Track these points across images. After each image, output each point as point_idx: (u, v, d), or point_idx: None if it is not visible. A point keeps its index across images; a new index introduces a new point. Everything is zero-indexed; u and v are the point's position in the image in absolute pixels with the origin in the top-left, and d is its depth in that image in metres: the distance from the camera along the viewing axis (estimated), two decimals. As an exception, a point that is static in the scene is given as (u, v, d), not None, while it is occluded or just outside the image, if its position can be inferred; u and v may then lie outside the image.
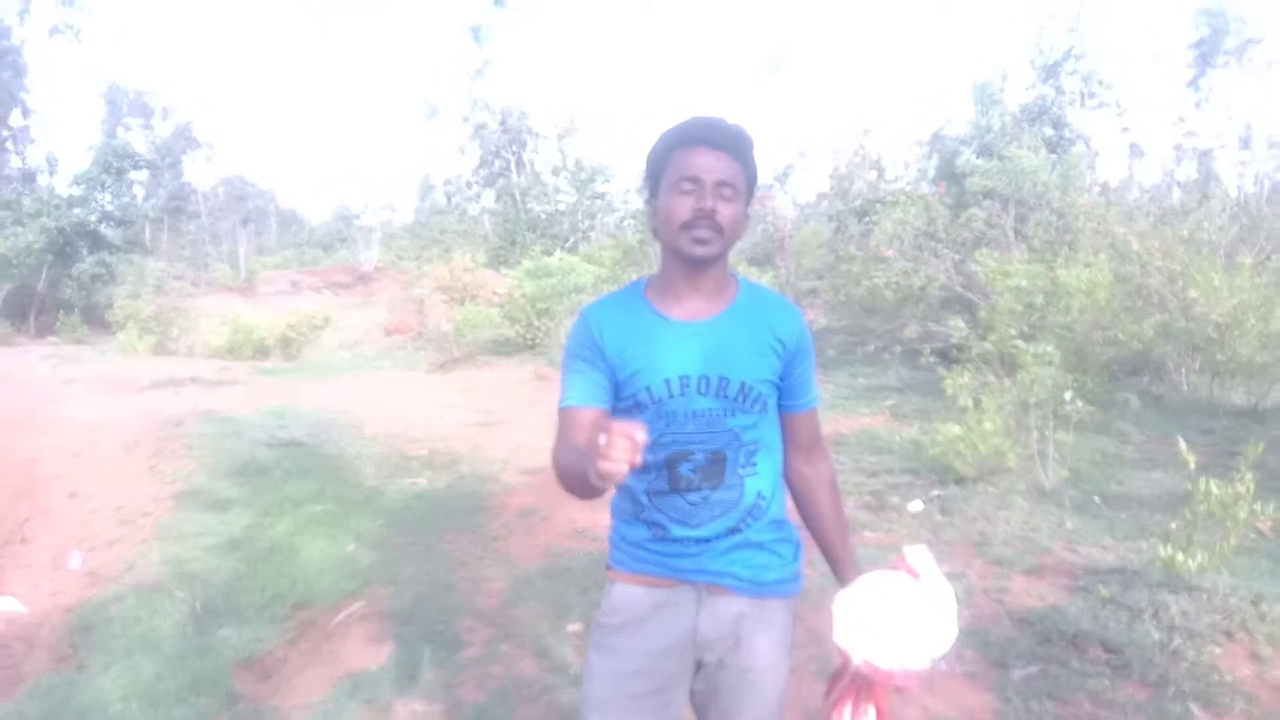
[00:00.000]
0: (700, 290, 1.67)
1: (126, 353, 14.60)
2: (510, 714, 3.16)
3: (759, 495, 1.69)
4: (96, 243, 22.60)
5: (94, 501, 5.69)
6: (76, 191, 23.76)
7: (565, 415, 1.70)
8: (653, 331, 1.67)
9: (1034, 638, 3.41)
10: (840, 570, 1.78)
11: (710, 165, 1.58)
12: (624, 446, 1.29)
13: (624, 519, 1.77)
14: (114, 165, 24.35)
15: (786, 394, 1.72)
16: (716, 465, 1.65)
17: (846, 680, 1.67)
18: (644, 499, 1.70)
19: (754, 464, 1.68)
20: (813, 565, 1.89)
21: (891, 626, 1.59)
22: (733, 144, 1.61)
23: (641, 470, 1.56)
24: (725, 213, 1.59)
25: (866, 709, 1.66)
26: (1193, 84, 26.21)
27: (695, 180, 1.58)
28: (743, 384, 1.64)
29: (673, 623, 1.68)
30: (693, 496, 1.66)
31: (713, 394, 1.63)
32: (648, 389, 1.64)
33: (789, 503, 1.82)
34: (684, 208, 1.58)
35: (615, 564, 1.77)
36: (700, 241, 1.59)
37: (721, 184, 1.58)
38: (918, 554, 1.69)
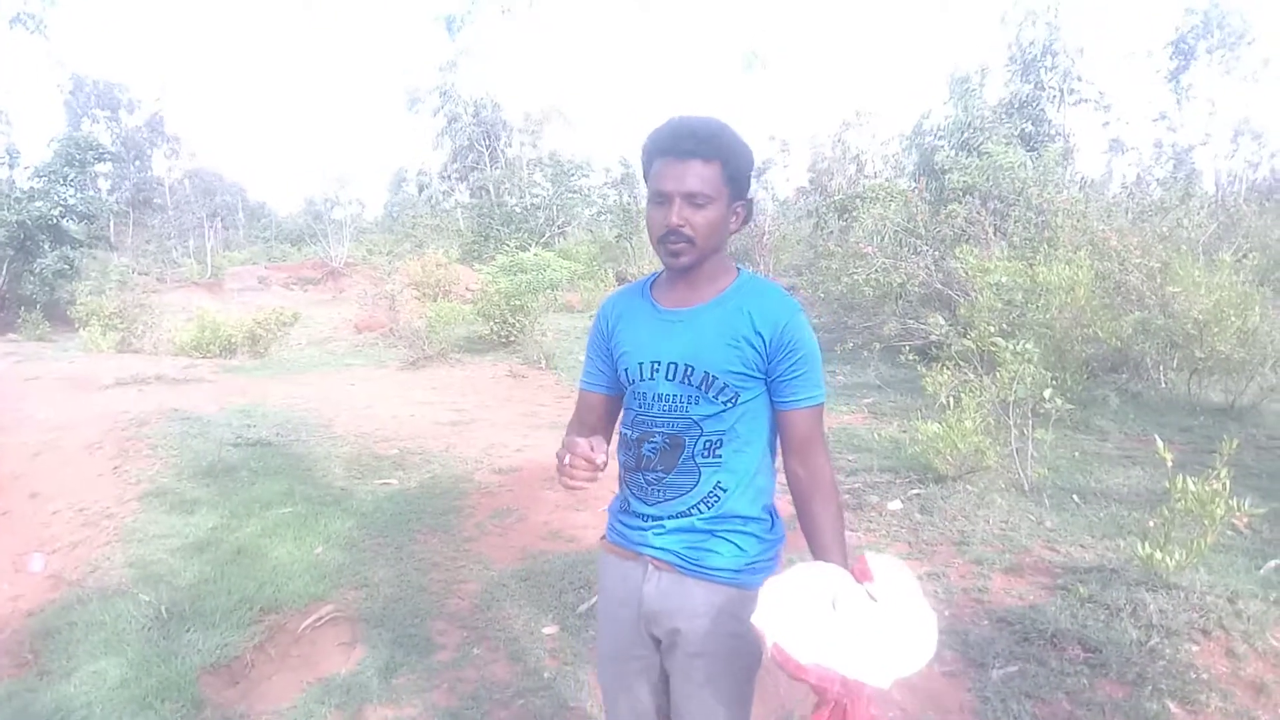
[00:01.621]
0: (691, 284, 1.74)
1: (90, 350, 14.36)
2: (483, 718, 3.11)
3: (717, 485, 1.71)
4: (59, 237, 22.17)
5: (56, 503, 5.57)
6: (38, 185, 23.28)
7: (580, 396, 1.93)
8: (642, 317, 1.79)
9: (1013, 637, 3.40)
10: None
11: (677, 175, 1.63)
12: (583, 467, 1.57)
13: (619, 489, 1.90)
14: (77, 158, 23.89)
15: (776, 391, 1.72)
16: (674, 450, 1.73)
17: (828, 705, 1.54)
18: (621, 472, 1.85)
19: (718, 455, 1.71)
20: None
21: (821, 622, 1.50)
22: (702, 147, 1.63)
23: (624, 446, 1.82)
24: (697, 221, 1.64)
25: None
26: (1173, 79, 26.52)
27: (664, 194, 1.65)
28: (707, 374, 1.68)
29: (628, 592, 1.80)
30: (650, 476, 1.76)
31: (678, 380, 1.71)
32: (626, 370, 1.78)
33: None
34: (657, 221, 1.67)
35: (606, 533, 1.92)
36: (674, 253, 1.67)
37: (690, 195, 1.63)
38: (884, 563, 1.60)
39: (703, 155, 1.63)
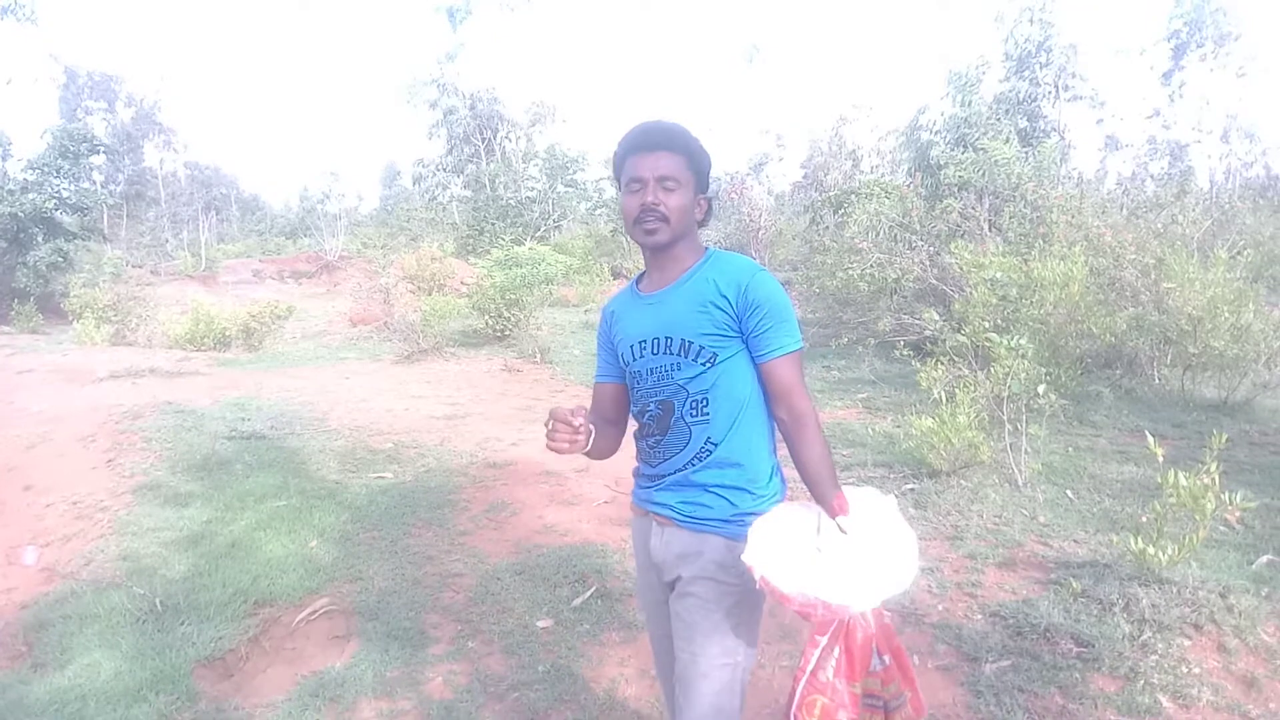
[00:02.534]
0: (663, 270, 1.96)
1: (83, 343, 14.31)
2: (478, 711, 3.11)
3: (708, 441, 1.89)
4: (52, 229, 22.11)
5: (50, 495, 5.55)
6: (31, 177, 23.19)
7: (595, 389, 2.14)
8: (631, 307, 2.03)
9: (1006, 631, 3.41)
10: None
11: (650, 164, 1.86)
12: (564, 430, 1.78)
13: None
14: (71, 150, 23.83)
15: (752, 346, 1.87)
16: (665, 414, 1.93)
17: (828, 630, 1.72)
18: (635, 441, 2.06)
19: (705, 413, 1.88)
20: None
21: (802, 555, 1.71)
22: (669, 142, 1.87)
23: (635, 419, 2.05)
24: (670, 202, 1.86)
25: (834, 649, 1.71)
26: (1167, 76, 26.55)
27: (639, 180, 1.87)
28: (684, 340, 1.87)
29: (643, 544, 2.05)
30: (650, 440, 1.98)
31: (661, 352, 1.91)
32: (621, 355, 2.03)
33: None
34: (633, 205, 1.88)
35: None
36: (650, 231, 1.87)
37: (663, 178, 1.85)
38: (863, 495, 1.82)
39: (669, 148, 1.87)
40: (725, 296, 1.85)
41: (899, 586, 1.74)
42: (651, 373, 1.93)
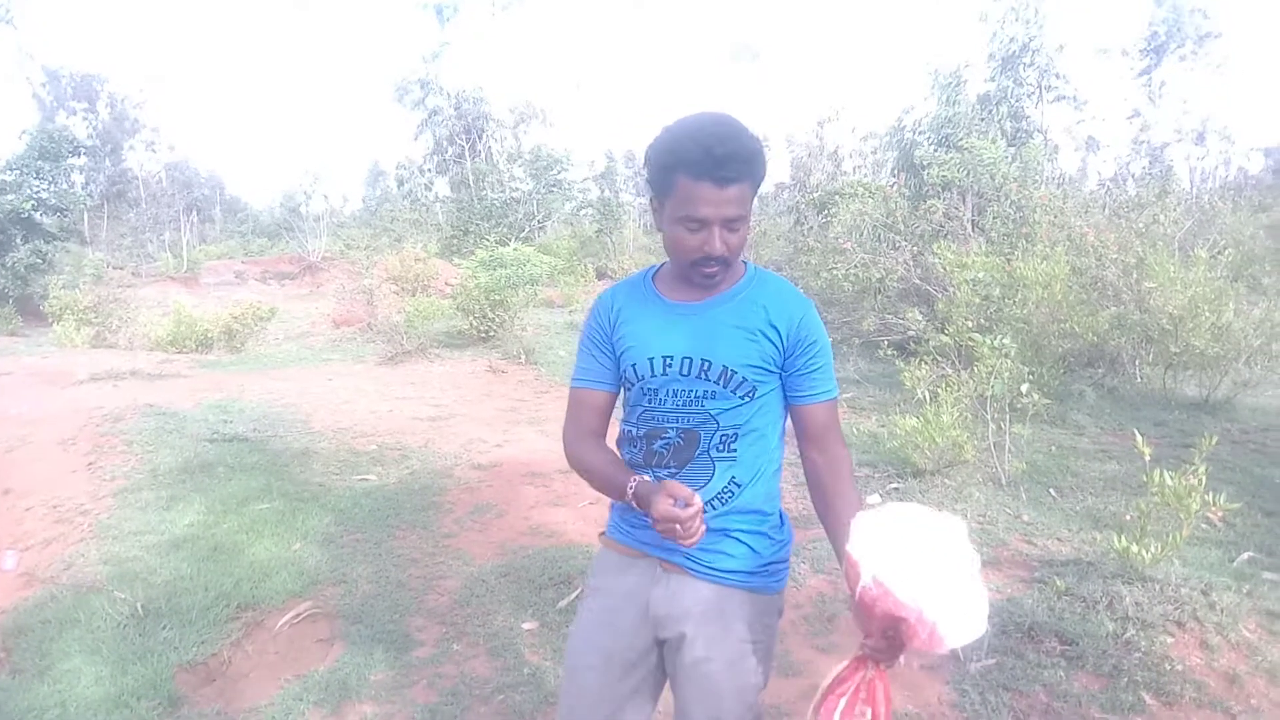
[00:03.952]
0: (705, 288, 1.70)
1: (63, 345, 14.17)
2: (463, 714, 3.10)
3: (731, 480, 1.68)
4: (31, 230, 21.93)
5: (29, 499, 5.49)
6: (9, 178, 22.97)
7: (575, 395, 1.81)
8: (649, 311, 1.73)
9: (991, 630, 3.40)
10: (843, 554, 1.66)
11: (717, 203, 1.55)
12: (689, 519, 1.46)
13: None
14: (50, 150, 23.62)
15: (793, 385, 1.71)
16: (688, 445, 1.68)
17: (852, 676, 1.53)
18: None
19: (733, 450, 1.68)
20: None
21: (913, 557, 1.41)
22: (746, 172, 1.56)
23: (628, 442, 1.76)
24: (733, 242, 1.60)
25: (864, 711, 1.51)
26: (1145, 76, 26.73)
27: (702, 220, 1.56)
28: (725, 368, 1.64)
29: (632, 592, 1.74)
30: (662, 473, 1.69)
31: (694, 375, 1.66)
32: (633, 366, 1.71)
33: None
34: (691, 246, 1.60)
35: (607, 530, 1.86)
36: (709, 276, 1.64)
37: (729, 220, 1.58)
38: (952, 524, 1.50)
39: (742, 180, 1.56)
40: (776, 328, 1.66)
41: (973, 634, 1.40)
42: (675, 395, 1.68)
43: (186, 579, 4.24)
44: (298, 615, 3.90)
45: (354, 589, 4.15)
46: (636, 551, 1.75)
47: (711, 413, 1.67)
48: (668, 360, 1.68)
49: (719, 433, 1.67)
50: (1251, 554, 4.06)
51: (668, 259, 1.75)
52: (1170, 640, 3.19)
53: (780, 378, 1.70)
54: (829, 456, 1.72)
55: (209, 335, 14.15)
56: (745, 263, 1.75)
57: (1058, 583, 3.66)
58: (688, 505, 1.46)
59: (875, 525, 1.47)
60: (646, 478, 1.62)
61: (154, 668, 3.45)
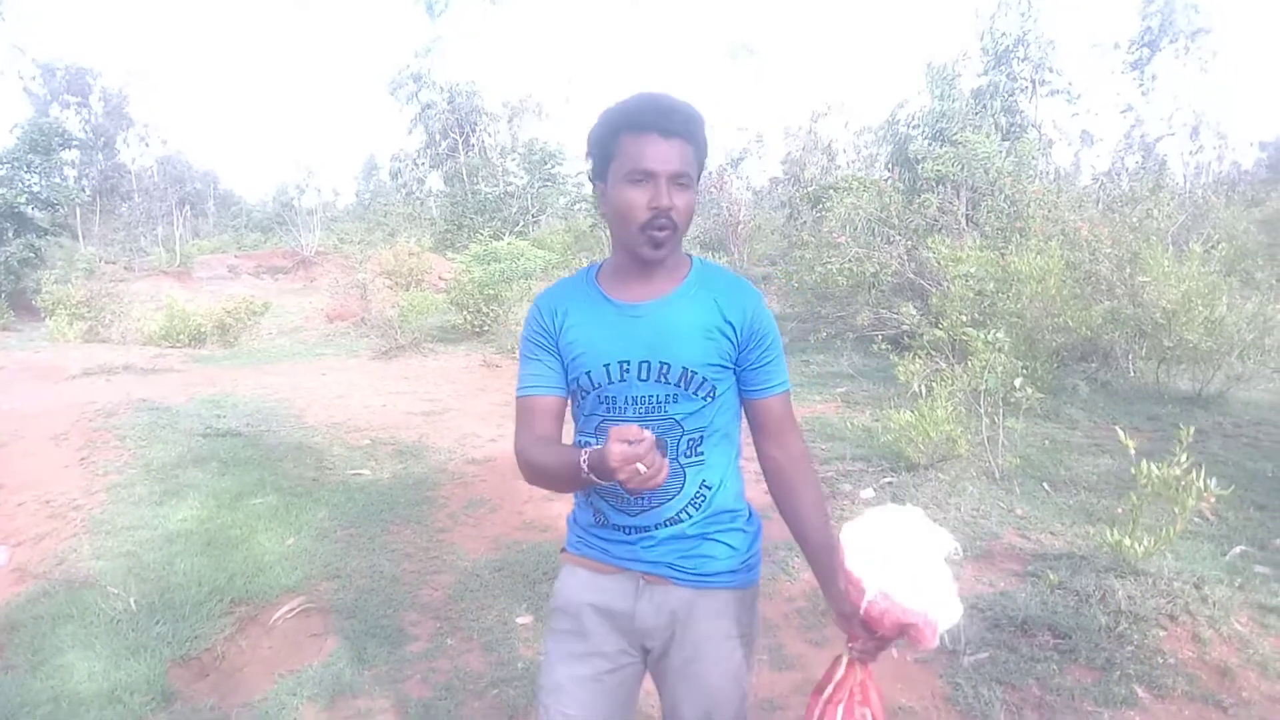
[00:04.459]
0: (650, 278, 1.63)
1: (56, 340, 14.15)
2: (457, 709, 3.10)
3: (703, 485, 1.64)
4: (23, 225, 21.84)
5: (21, 494, 5.47)
6: (1, 172, 22.87)
7: (524, 404, 1.69)
8: (598, 315, 1.64)
9: (984, 623, 3.43)
10: (813, 553, 1.67)
11: (664, 155, 1.52)
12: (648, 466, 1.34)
13: (579, 501, 1.77)
14: (42, 144, 23.51)
15: (748, 380, 1.67)
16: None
17: (845, 681, 1.56)
18: None
19: (700, 454, 1.64)
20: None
21: (906, 565, 1.43)
22: (686, 128, 1.54)
23: None
24: (681, 204, 1.55)
25: (864, 714, 1.54)
26: (1137, 70, 26.79)
27: (649, 174, 1.52)
28: (685, 369, 1.59)
29: (612, 608, 1.67)
30: None
31: (653, 380, 1.60)
32: (587, 374, 1.62)
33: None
34: (639, 204, 1.53)
35: (568, 545, 1.78)
36: (658, 244, 1.55)
37: (676, 175, 1.53)
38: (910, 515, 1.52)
39: (687, 136, 1.54)
40: (731, 323, 1.62)
41: (953, 619, 1.45)
42: (635, 402, 1.61)
43: (180, 574, 4.23)
44: (292, 610, 3.90)
45: (348, 584, 4.14)
46: (611, 567, 1.68)
47: (676, 418, 1.61)
48: (624, 365, 1.60)
49: (685, 437, 1.62)
50: (1244, 547, 4.08)
51: (607, 256, 1.70)
52: (1163, 633, 3.20)
53: (735, 373, 1.66)
54: (789, 453, 1.70)
55: (202, 330, 14.13)
56: (690, 256, 1.71)
57: (1051, 576, 3.67)
58: (639, 440, 1.35)
59: (865, 537, 1.47)
60: (595, 445, 1.48)
61: (147, 663, 3.44)
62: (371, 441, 6.72)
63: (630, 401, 1.61)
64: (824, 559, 1.62)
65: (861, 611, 1.45)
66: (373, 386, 9.48)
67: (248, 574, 4.23)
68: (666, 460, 1.38)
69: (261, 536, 4.71)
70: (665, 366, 1.60)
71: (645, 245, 1.56)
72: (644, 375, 1.60)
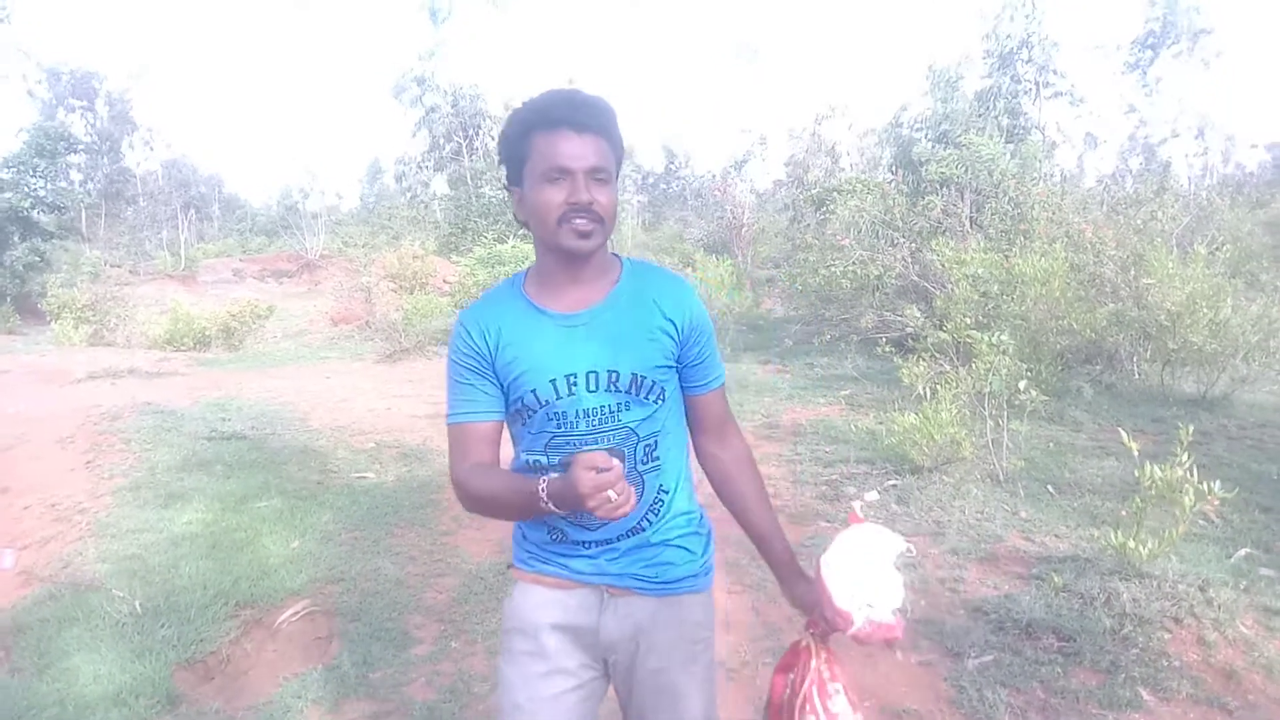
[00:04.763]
0: (582, 282, 1.58)
1: (61, 343, 14.19)
2: (461, 712, 3.10)
3: (660, 490, 1.62)
4: (29, 229, 21.91)
5: (27, 498, 5.48)
6: (6, 176, 22.93)
7: (458, 431, 1.62)
8: (534, 329, 1.57)
9: (988, 626, 3.43)
10: (768, 549, 1.71)
11: (578, 152, 1.48)
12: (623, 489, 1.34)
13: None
14: (47, 148, 23.57)
15: (688, 376, 1.65)
16: None
17: (812, 663, 1.61)
18: None
19: (656, 458, 1.61)
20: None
21: (875, 579, 1.52)
22: (599, 122, 1.51)
23: (538, 473, 1.54)
24: (603, 199, 1.50)
25: (836, 689, 1.59)
26: (1140, 71, 26.75)
27: (565, 170, 1.48)
28: (634, 375, 1.55)
29: (575, 624, 1.64)
30: None
31: (603, 389, 1.55)
32: (533, 392, 1.55)
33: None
34: (555, 201, 1.49)
35: (518, 562, 1.71)
36: (583, 234, 1.50)
37: (593, 170, 1.49)
38: (868, 504, 1.66)
39: (601, 131, 1.51)
40: (672, 322, 1.58)
41: (901, 590, 1.54)
42: (588, 415, 1.55)
43: (185, 577, 4.24)
44: (296, 613, 3.90)
45: (353, 587, 4.15)
46: (570, 582, 1.64)
47: (630, 425, 1.57)
48: (571, 379, 1.54)
49: (640, 444, 1.58)
50: (1249, 550, 4.07)
51: (530, 264, 1.66)
52: (1168, 636, 3.20)
53: (678, 371, 1.64)
54: (733, 451, 1.71)
55: (207, 333, 14.16)
56: (618, 256, 1.67)
57: (1055, 579, 3.67)
58: (607, 469, 1.33)
59: (840, 566, 1.52)
60: (554, 475, 1.45)
61: (153, 666, 3.44)
62: (376, 445, 6.73)
63: (581, 415, 1.55)
64: (776, 549, 1.69)
65: (849, 635, 1.50)
66: (377, 390, 9.50)
67: (253, 577, 4.23)
68: (632, 488, 1.37)
69: (266, 540, 4.71)
70: (614, 374, 1.55)
71: (569, 237, 1.50)
72: (593, 386, 1.55)
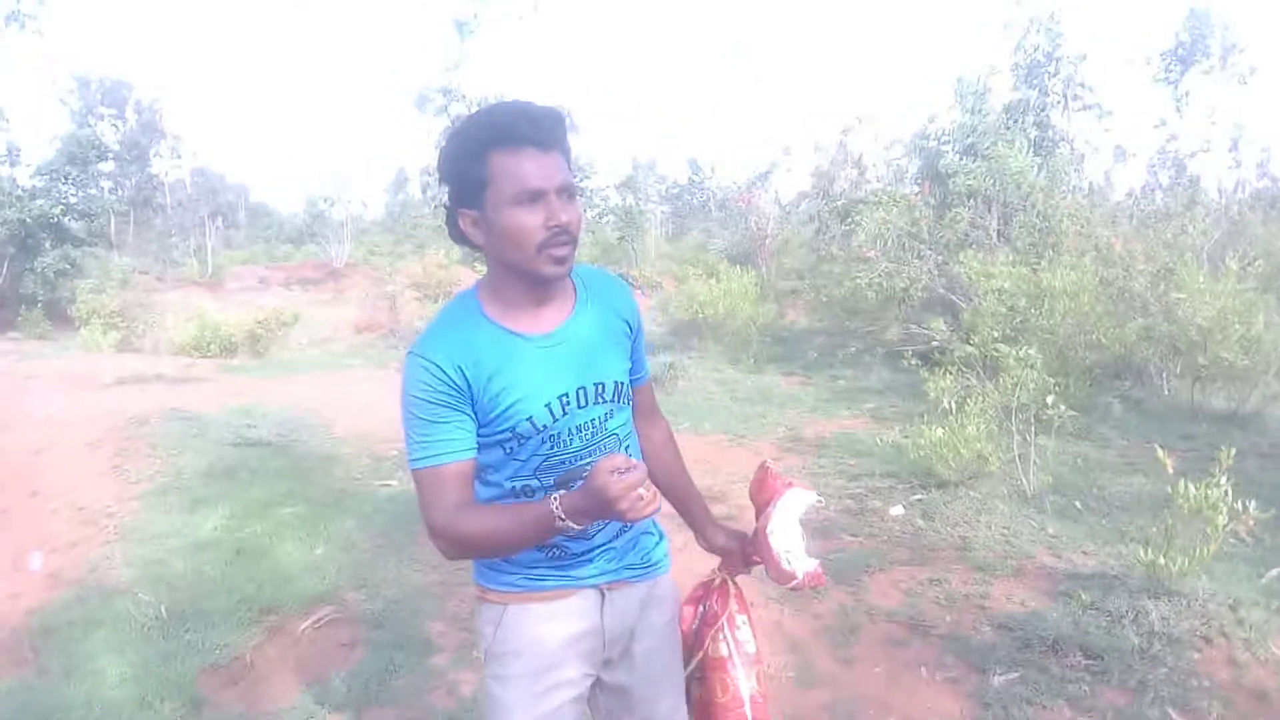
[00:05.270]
0: (550, 300, 1.56)
1: (90, 349, 14.33)
2: (483, 722, 3.09)
3: None
4: (60, 236, 22.17)
5: (55, 501, 5.55)
6: (39, 183, 23.27)
7: (435, 475, 1.52)
8: (515, 355, 1.52)
9: (1014, 643, 3.39)
10: (688, 509, 1.88)
11: (548, 171, 1.43)
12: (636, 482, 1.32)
13: None
14: (79, 156, 23.90)
15: (632, 370, 1.71)
16: None
17: (724, 594, 1.81)
18: None
19: (631, 455, 1.64)
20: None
21: (797, 534, 1.68)
22: (557, 135, 1.46)
23: (529, 496, 1.55)
24: (574, 218, 1.46)
25: (742, 620, 1.80)
26: (1172, 85, 26.46)
27: (539, 192, 1.42)
28: (616, 383, 1.61)
29: (581, 630, 1.64)
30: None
31: (592, 403, 1.56)
32: (529, 420, 1.51)
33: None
34: (533, 225, 1.43)
35: (500, 587, 1.65)
36: (560, 261, 1.47)
37: (563, 188, 1.45)
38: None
39: (558, 144, 1.46)
40: (627, 322, 1.65)
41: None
42: (579, 431, 1.55)
43: (210, 582, 4.28)
44: (320, 619, 3.92)
45: (376, 594, 4.16)
46: (567, 591, 1.63)
47: (614, 431, 1.61)
48: (564, 399, 1.53)
49: (622, 445, 1.63)
50: (1281, 570, 4.01)
51: (475, 285, 1.62)
52: (1197, 656, 3.16)
53: None
54: (661, 431, 1.86)
55: (233, 340, 14.27)
56: None
57: (1082, 596, 3.63)
58: (630, 469, 1.31)
59: (782, 532, 1.68)
60: (564, 492, 1.43)
61: (177, 670, 3.47)
62: (399, 452, 6.75)
63: (574, 432, 1.55)
64: (696, 509, 1.88)
65: (789, 588, 1.69)
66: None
67: (276, 583, 4.25)
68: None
69: (290, 546, 4.74)
70: (600, 386, 1.57)
71: (548, 265, 1.46)
72: (583, 402, 1.55)
